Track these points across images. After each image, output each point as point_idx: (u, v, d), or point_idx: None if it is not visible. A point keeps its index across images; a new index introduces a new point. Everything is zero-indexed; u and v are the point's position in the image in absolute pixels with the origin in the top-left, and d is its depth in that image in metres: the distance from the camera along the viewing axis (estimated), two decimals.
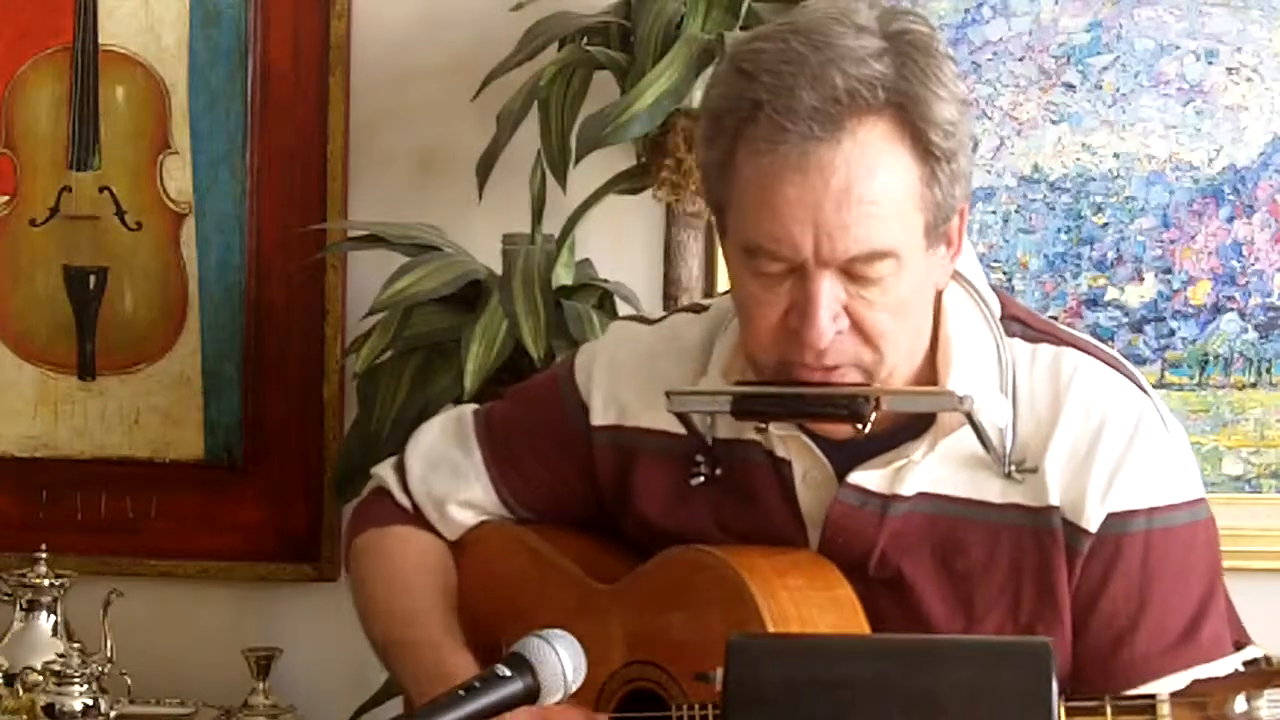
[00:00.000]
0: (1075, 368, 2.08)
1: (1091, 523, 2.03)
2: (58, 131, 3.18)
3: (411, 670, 2.20)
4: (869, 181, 1.94)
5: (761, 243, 1.98)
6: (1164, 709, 1.76)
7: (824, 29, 1.97)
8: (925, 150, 1.97)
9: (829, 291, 1.96)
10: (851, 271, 1.96)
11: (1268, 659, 1.75)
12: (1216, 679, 1.77)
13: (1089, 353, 2.10)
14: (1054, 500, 2.04)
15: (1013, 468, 2.05)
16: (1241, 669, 1.77)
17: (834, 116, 1.94)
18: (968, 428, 2.03)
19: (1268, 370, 3.08)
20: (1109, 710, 1.77)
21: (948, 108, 1.97)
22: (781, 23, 2.03)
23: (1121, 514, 2.03)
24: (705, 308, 2.24)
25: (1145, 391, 2.11)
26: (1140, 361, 3.06)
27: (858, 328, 1.98)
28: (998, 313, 2.11)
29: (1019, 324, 2.11)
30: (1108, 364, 2.10)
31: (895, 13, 2.01)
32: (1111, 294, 3.09)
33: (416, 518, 2.33)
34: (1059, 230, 3.09)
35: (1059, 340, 2.11)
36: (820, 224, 1.94)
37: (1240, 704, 1.73)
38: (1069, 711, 1.74)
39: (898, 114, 1.96)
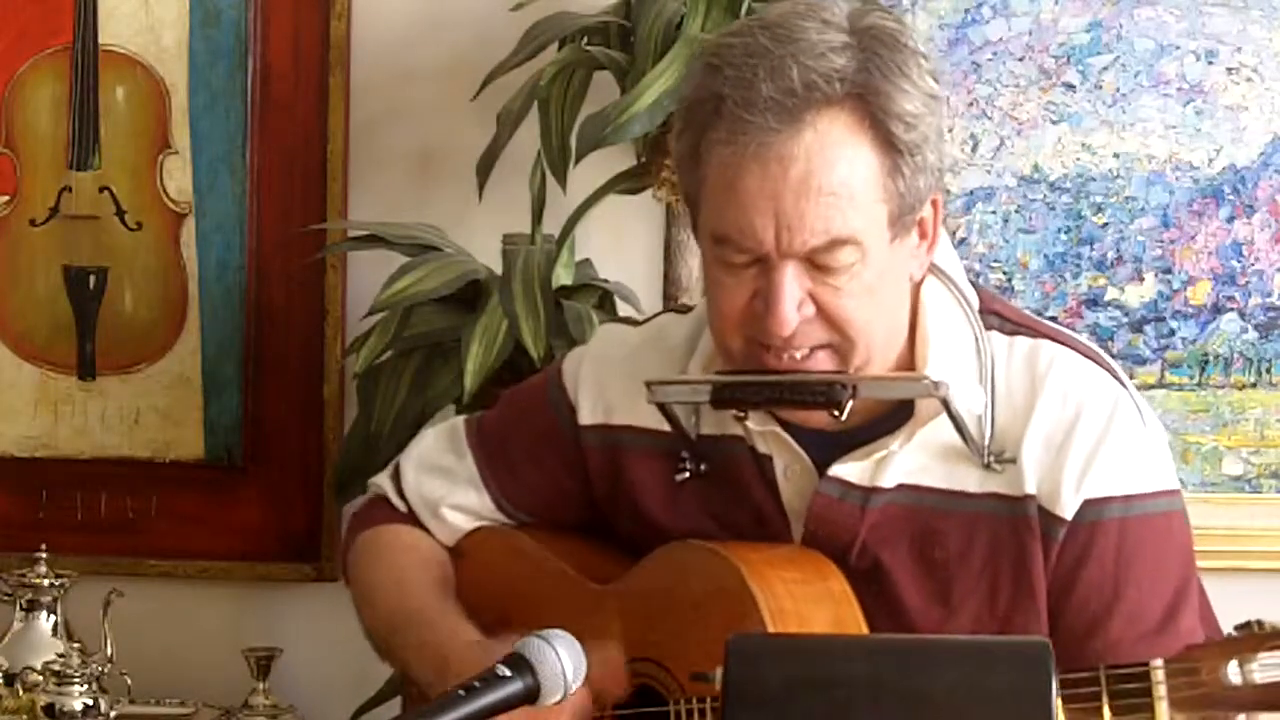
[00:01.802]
0: (1052, 359, 2.09)
1: (1067, 510, 2.04)
2: (58, 131, 3.18)
3: (416, 639, 2.20)
4: (828, 173, 1.97)
5: (727, 233, 2.01)
6: (1159, 674, 1.77)
7: (789, 23, 2.00)
8: (887, 142, 1.99)
9: (793, 280, 1.99)
10: (815, 260, 1.99)
11: (1259, 622, 1.75)
12: (1209, 644, 1.78)
13: (1066, 344, 2.12)
14: (1030, 489, 2.05)
15: (992, 458, 2.06)
16: (1234, 633, 1.77)
17: (790, 109, 1.96)
18: (944, 417, 2.04)
19: (1268, 370, 3.08)
20: (1103, 679, 1.78)
21: (911, 100, 2.00)
22: (753, 18, 2.07)
23: (1097, 500, 2.05)
24: (691, 308, 2.26)
25: (1122, 383, 2.12)
26: (1140, 361, 3.06)
27: (824, 314, 2.01)
28: (976, 306, 2.12)
29: (996, 317, 2.13)
30: (1084, 355, 2.12)
31: (866, 9, 2.05)
32: (1111, 294, 3.09)
33: (413, 520, 2.34)
34: (1059, 230, 3.10)
35: (1036, 332, 2.13)
36: (781, 215, 1.97)
37: (1233, 668, 1.72)
38: (1063, 684, 1.74)
39: (858, 106, 1.98)
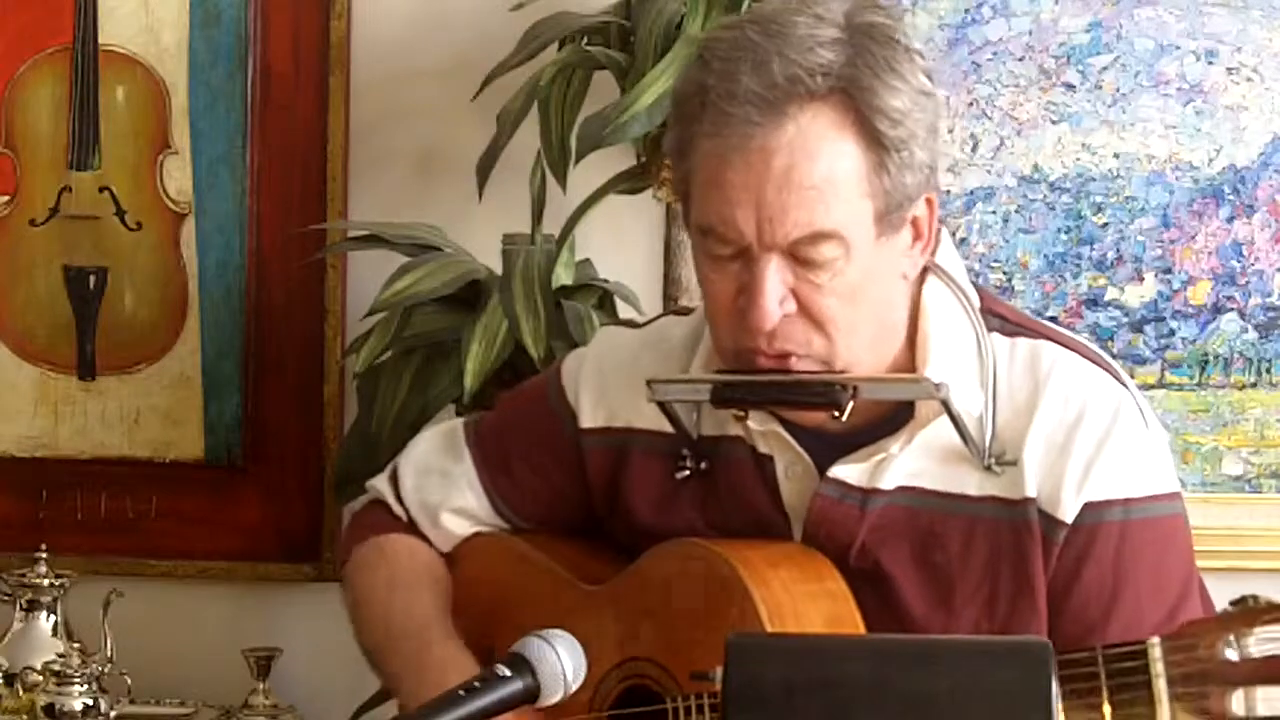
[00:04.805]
0: (1054, 361, 2.09)
1: (1068, 514, 2.04)
2: (58, 131, 3.18)
3: (401, 661, 2.21)
4: (810, 166, 1.97)
5: (711, 224, 2.01)
6: (1155, 651, 1.77)
7: (782, 18, 2.01)
8: (872, 138, 1.98)
9: (774, 274, 1.99)
10: (797, 255, 1.99)
11: (1255, 597, 1.75)
12: (1206, 620, 1.78)
13: (1067, 346, 2.12)
14: (1030, 492, 2.05)
15: (992, 460, 2.06)
16: (1230, 608, 1.77)
17: (773, 102, 1.97)
18: (945, 419, 2.04)
19: (1268, 370, 3.08)
20: (1100, 658, 1.78)
21: (899, 97, 1.99)
22: (749, 12, 2.08)
23: (1098, 504, 2.04)
24: (691, 310, 2.26)
25: (1124, 385, 2.12)
26: (1140, 361, 3.06)
27: (806, 312, 2.01)
28: (977, 305, 2.12)
29: (997, 318, 2.12)
30: (1086, 357, 2.11)
31: (863, 5, 2.04)
32: (1111, 294, 3.09)
33: (411, 528, 2.33)
34: (1059, 230, 3.10)
35: (1037, 334, 2.12)
36: (762, 207, 1.97)
37: (1230, 642, 1.72)
38: (1060, 665, 1.74)
39: (843, 100, 1.98)
